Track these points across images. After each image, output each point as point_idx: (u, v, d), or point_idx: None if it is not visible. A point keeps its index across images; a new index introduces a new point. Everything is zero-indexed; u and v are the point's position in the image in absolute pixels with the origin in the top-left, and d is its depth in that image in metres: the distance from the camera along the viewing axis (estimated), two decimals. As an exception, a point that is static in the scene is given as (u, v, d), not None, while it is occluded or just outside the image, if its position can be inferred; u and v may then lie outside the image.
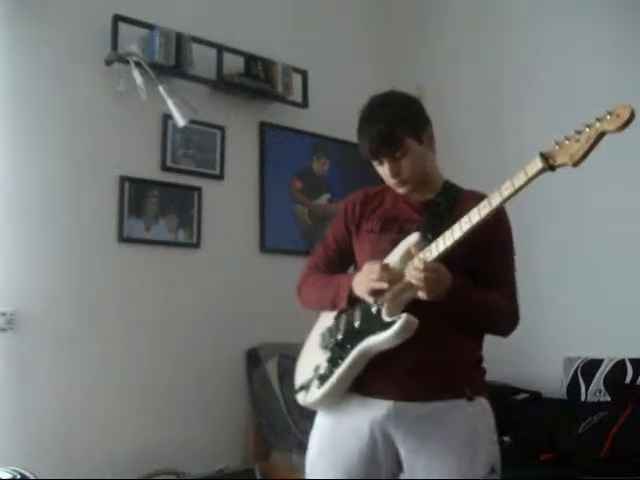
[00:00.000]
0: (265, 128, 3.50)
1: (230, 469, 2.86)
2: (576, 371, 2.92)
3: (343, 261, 1.77)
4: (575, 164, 1.26)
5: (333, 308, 1.67)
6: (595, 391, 2.81)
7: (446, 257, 1.44)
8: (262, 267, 3.37)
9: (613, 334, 2.91)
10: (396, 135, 1.55)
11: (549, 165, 1.29)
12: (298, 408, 2.99)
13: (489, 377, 3.33)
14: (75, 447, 2.69)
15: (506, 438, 2.76)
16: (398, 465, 1.56)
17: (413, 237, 1.54)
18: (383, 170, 1.61)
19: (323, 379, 1.57)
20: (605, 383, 2.79)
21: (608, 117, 1.22)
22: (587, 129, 1.24)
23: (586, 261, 3.07)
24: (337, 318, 1.64)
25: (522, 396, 3.02)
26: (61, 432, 2.67)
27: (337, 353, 1.57)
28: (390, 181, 1.61)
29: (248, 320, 3.23)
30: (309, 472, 1.63)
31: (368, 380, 1.54)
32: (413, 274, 1.41)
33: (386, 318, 1.48)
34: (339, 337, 1.59)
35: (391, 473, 1.56)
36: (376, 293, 1.50)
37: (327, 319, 1.69)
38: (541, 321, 3.24)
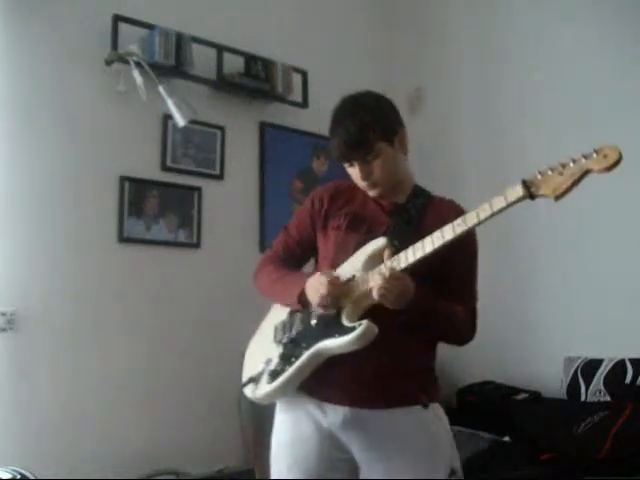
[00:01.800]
0: (265, 128, 3.50)
1: (230, 469, 2.87)
2: (576, 371, 2.92)
3: (303, 252, 1.76)
4: (557, 198, 1.25)
5: (284, 305, 1.66)
6: (595, 391, 2.81)
7: (412, 267, 1.43)
8: (262, 267, 3.36)
9: (613, 334, 2.91)
10: (367, 138, 1.53)
11: (530, 194, 1.28)
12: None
13: (490, 377, 3.36)
14: (75, 447, 2.69)
15: (506, 438, 2.76)
16: (355, 469, 1.56)
17: (379, 242, 1.52)
18: (354, 172, 1.60)
19: (274, 375, 1.55)
20: (605, 383, 2.79)
21: (595, 156, 1.20)
22: (572, 164, 1.23)
23: (586, 261, 3.07)
24: (292, 313, 1.63)
25: (522, 396, 3.02)
26: (61, 432, 2.67)
27: (290, 350, 1.55)
28: (360, 183, 1.60)
29: (248, 320, 3.22)
30: (272, 469, 1.63)
31: (324, 385, 1.53)
32: (377, 279, 1.40)
33: (346, 323, 1.46)
34: (294, 334, 1.58)
35: (348, 476, 1.56)
36: (324, 306, 1.50)
37: (282, 311, 1.68)
38: (541, 321, 3.25)
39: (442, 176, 2.86)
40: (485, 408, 2.99)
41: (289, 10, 3.68)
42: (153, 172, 3.09)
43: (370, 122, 1.54)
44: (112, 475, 2.65)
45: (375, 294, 1.41)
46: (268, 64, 3.40)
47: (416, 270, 1.43)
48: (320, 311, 1.52)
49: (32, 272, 2.70)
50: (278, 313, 1.70)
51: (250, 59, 3.37)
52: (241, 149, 3.40)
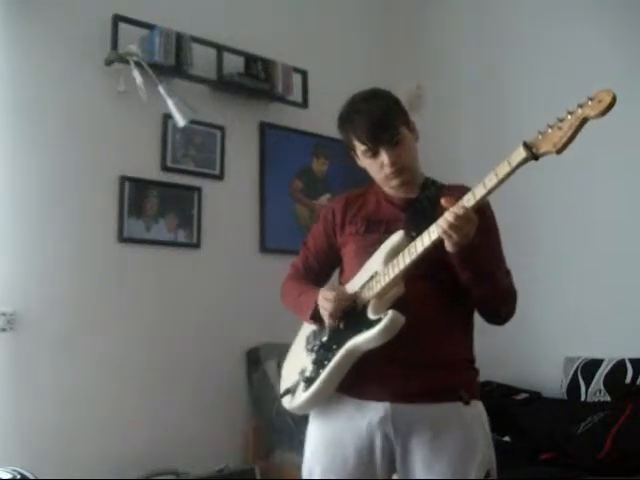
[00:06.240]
0: (265, 128, 3.50)
1: (230, 469, 2.86)
2: (576, 371, 2.92)
3: (322, 266, 1.78)
4: (558, 151, 1.23)
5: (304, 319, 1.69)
6: (595, 391, 2.81)
7: (435, 253, 1.42)
8: (262, 267, 3.36)
9: (613, 334, 2.91)
10: (392, 121, 1.56)
11: (532, 154, 1.26)
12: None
13: (490, 377, 3.37)
14: (75, 447, 2.69)
15: (506, 438, 2.76)
16: (392, 467, 1.55)
17: (396, 236, 1.53)
18: (377, 162, 1.58)
19: (309, 382, 1.55)
20: (605, 383, 2.79)
21: (590, 103, 1.20)
22: (569, 116, 1.23)
23: (586, 261, 3.07)
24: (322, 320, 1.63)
25: (522, 396, 3.02)
26: (61, 432, 2.67)
27: (322, 355, 1.55)
28: (386, 171, 1.58)
29: (248, 320, 3.23)
30: (304, 472, 1.63)
31: (362, 383, 1.53)
32: (449, 216, 1.34)
33: (371, 316, 1.47)
34: (324, 339, 1.58)
35: (385, 474, 1.55)
36: (334, 320, 1.53)
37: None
38: (541, 321, 3.25)
39: (440, 178, 2.86)
40: (485, 408, 2.98)
41: (289, 10, 3.68)
42: (153, 172, 3.09)
43: (391, 106, 1.59)
44: (112, 475, 2.65)
45: (446, 238, 1.36)
46: (268, 64, 3.40)
47: (445, 257, 1.42)
48: (332, 326, 1.55)
49: (32, 272, 2.70)
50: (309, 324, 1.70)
51: (250, 59, 3.36)
52: (241, 149, 3.40)
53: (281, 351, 3.15)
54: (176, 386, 3.00)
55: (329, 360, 1.52)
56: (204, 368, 3.08)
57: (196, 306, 3.12)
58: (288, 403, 1.62)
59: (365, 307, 1.50)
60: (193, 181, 3.20)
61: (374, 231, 1.62)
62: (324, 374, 1.52)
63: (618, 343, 2.86)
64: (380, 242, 1.56)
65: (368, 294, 1.52)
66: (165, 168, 3.12)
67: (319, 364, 1.55)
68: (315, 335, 1.63)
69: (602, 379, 2.81)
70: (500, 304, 1.57)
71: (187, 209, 3.16)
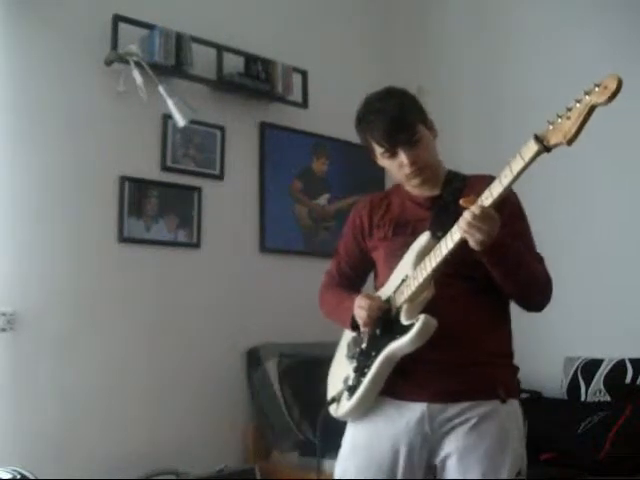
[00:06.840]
0: (265, 128, 3.49)
1: (230, 469, 2.86)
2: (576, 371, 2.92)
3: (355, 271, 1.79)
4: (569, 142, 1.22)
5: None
6: (595, 391, 2.81)
7: (463, 252, 1.41)
8: (262, 267, 3.37)
9: (613, 334, 2.91)
10: (410, 120, 1.55)
11: (544, 146, 1.25)
12: (298, 408, 3.02)
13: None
14: (75, 447, 2.69)
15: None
16: (429, 467, 1.56)
17: (423, 238, 1.54)
18: (396, 162, 1.58)
19: (352, 390, 1.58)
20: (605, 383, 2.79)
21: (596, 89, 1.18)
22: (577, 104, 1.21)
23: (587, 261, 3.07)
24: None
25: (522, 396, 3.01)
26: (61, 432, 2.67)
27: (363, 362, 1.58)
28: (406, 171, 1.58)
29: (248, 320, 3.23)
30: (337, 470, 1.63)
31: (400, 384, 1.54)
32: (467, 216, 1.35)
33: (404, 321, 1.48)
34: (363, 345, 1.60)
35: (422, 474, 1.56)
36: (369, 327, 1.56)
37: None
38: (541, 321, 3.23)
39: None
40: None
41: (289, 10, 3.68)
42: (153, 172, 3.09)
43: (407, 104, 1.58)
44: (112, 475, 2.65)
45: (468, 237, 1.37)
46: (268, 64, 3.39)
47: (466, 258, 1.42)
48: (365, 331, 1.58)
49: (32, 272, 2.70)
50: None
51: (250, 59, 3.36)
52: (241, 149, 3.40)
53: (281, 351, 3.18)
54: (176, 386, 3.00)
55: (369, 368, 1.55)
56: (204, 368, 3.08)
57: (196, 306, 3.12)
58: (334, 411, 1.64)
59: (399, 312, 1.52)
60: (193, 181, 3.20)
61: (401, 234, 1.62)
62: (365, 382, 1.55)
63: (618, 343, 2.86)
64: (408, 244, 1.57)
65: (400, 299, 1.53)
66: (165, 168, 3.12)
67: (360, 372, 1.57)
68: (355, 342, 1.65)
69: (602, 379, 2.81)
70: (535, 294, 1.59)
71: (187, 209, 3.16)
